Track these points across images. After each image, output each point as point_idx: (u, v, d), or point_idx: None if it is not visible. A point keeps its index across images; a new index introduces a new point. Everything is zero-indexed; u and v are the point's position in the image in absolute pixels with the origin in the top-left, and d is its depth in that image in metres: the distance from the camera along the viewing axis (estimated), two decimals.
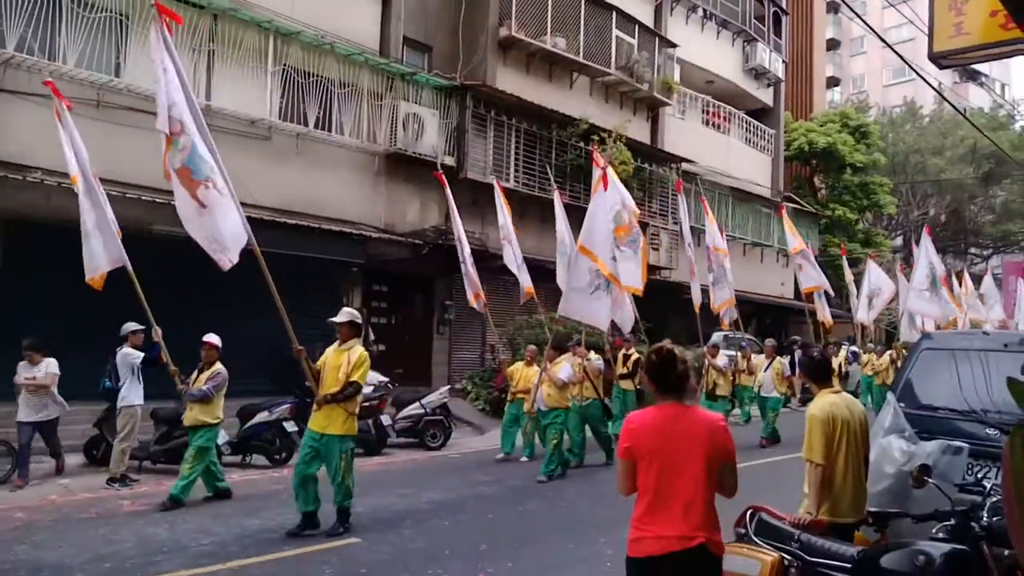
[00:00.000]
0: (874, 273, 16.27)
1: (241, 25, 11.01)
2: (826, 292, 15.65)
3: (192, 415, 7.11)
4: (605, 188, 8.99)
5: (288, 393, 9.84)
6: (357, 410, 6.28)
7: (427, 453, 10.30)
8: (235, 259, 6.19)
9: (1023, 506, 1.07)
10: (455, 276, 14.16)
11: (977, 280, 24.09)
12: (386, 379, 10.59)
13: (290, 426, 9.09)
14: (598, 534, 6.16)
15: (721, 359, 11.53)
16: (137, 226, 10.11)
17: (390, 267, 13.48)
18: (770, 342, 12.82)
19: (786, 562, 3.27)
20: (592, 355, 9.72)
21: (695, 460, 2.75)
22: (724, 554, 2.90)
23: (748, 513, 3.57)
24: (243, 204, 11.33)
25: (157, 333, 7.27)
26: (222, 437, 8.53)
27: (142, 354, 7.81)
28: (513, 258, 11.02)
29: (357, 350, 6.22)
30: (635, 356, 11.16)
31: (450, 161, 13.69)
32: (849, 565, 3.09)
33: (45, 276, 9.74)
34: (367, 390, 10.26)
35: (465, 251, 10.62)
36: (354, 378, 6.07)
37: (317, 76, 11.93)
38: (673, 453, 2.76)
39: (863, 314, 16.00)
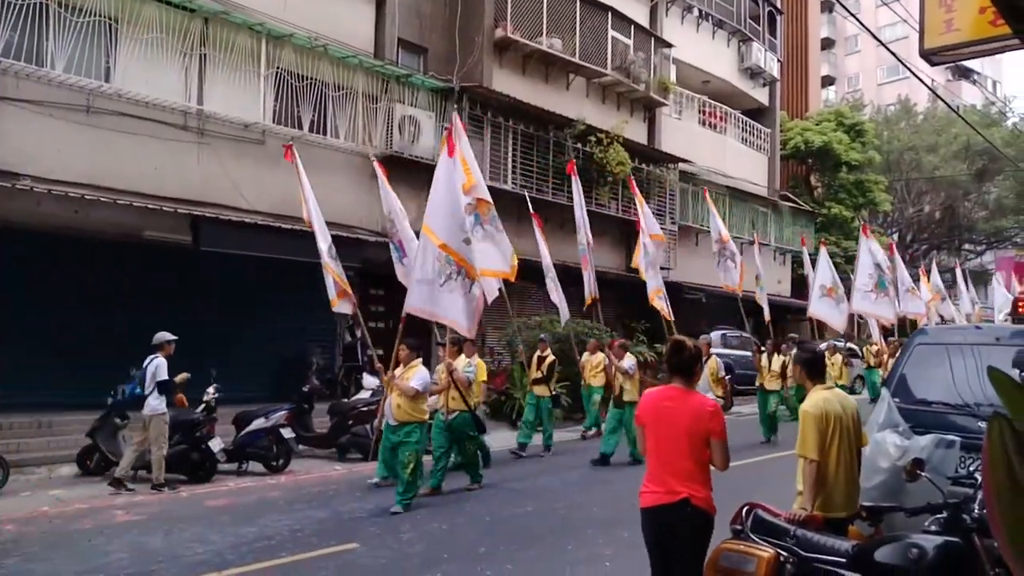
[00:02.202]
0: (822, 264, 14.82)
1: (233, 28, 11.00)
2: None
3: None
4: (451, 154, 7.49)
5: (285, 399, 9.83)
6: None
7: (426, 457, 10.26)
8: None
9: (1001, 496, 1.07)
10: None
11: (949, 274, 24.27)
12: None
13: (287, 432, 9.04)
14: (596, 535, 6.16)
15: (627, 360, 9.67)
16: (128, 232, 10.14)
17: (386, 271, 13.46)
18: (705, 338, 11.30)
19: (782, 558, 3.28)
20: (461, 360, 8.25)
21: (680, 433, 3.38)
22: (722, 551, 3.30)
23: (744, 510, 3.59)
24: (238, 209, 11.39)
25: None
26: (217, 444, 8.52)
27: (166, 376, 7.88)
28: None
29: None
30: (550, 359, 10.53)
31: None
32: (844, 559, 3.10)
33: (34, 283, 9.71)
34: (364, 395, 10.31)
35: (321, 245, 8.92)
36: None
37: (311, 79, 11.92)
38: (665, 426, 3.43)
39: (814, 307, 14.51)
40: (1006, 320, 12.98)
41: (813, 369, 3.92)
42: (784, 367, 11.79)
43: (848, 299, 14.48)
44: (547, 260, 11.42)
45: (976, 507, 3.11)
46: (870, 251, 14.24)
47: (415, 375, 7.06)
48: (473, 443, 8.11)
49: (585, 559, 5.57)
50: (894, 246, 19.89)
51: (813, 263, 15.10)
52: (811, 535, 3.32)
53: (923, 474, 3.51)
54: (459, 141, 7.92)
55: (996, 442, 1.08)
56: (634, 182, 13.56)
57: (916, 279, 19.23)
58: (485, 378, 9.26)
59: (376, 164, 9.84)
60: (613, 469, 9.21)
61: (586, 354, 11.60)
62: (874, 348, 15.80)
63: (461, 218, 7.46)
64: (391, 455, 7.28)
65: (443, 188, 7.44)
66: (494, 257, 9.09)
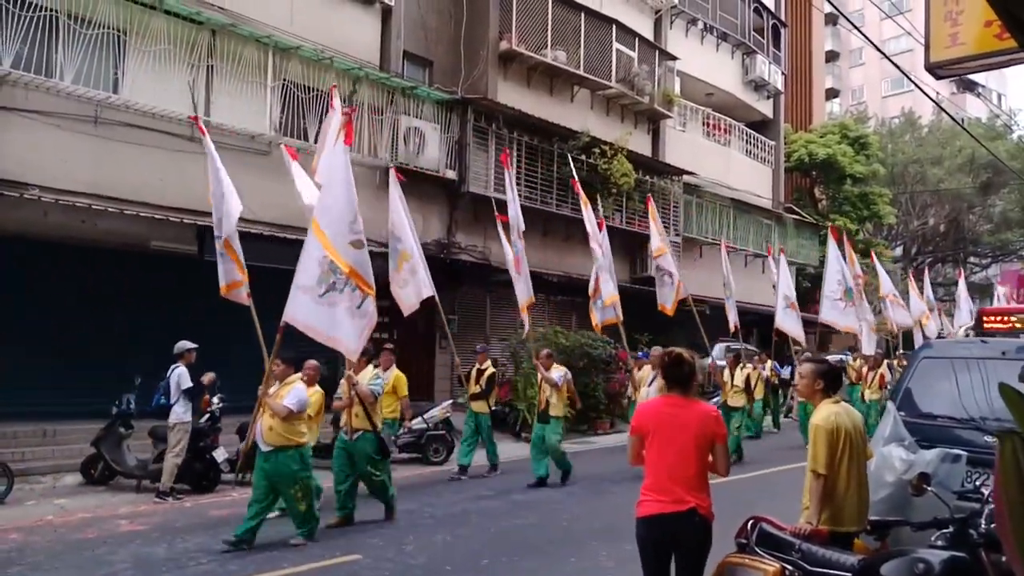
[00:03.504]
0: (784, 274, 14.25)
1: (240, 40, 11.09)
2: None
3: None
4: (348, 142, 6.59)
5: None
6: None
7: (429, 468, 10.26)
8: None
9: (1013, 512, 1.07)
10: (457, 290, 14.19)
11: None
12: None
13: None
14: (599, 547, 6.13)
15: (556, 372, 8.89)
16: (134, 241, 10.19)
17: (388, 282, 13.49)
18: (656, 350, 10.81)
19: (787, 572, 3.26)
20: (368, 372, 7.24)
21: (687, 441, 3.41)
22: (727, 565, 3.32)
23: (749, 524, 3.58)
24: (243, 219, 11.40)
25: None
26: (221, 454, 8.53)
27: (190, 383, 7.99)
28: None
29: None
30: (490, 371, 9.63)
31: (452, 175, 13.74)
32: (849, 574, 3.08)
33: (40, 292, 9.75)
34: None
35: (222, 228, 7.89)
36: None
37: (317, 91, 12.00)
38: (670, 435, 3.44)
39: (780, 319, 13.85)
40: (968, 335, 12.34)
41: (833, 382, 3.84)
42: (748, 382, 11.24)
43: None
44: (508, 256, 10.36)
45: (983, 522, 3.09)
46: (838, 257, 13.57)
47: (290, 393, 6.19)
48: (378, 468, 6.96)
49: (587, 571, 5.55)
50: (874, 254, 19.23)
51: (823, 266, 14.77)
52: (816, 549, 3.31)
53: (929, 488, 3.50)
54: (330, 128, 6.76)
55: (1009, 459, 1.08)
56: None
57: (905, 294, 18.75)
58: (406, 393, 8.52)
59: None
60: (615, 483, 9.15)
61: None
62: (856, 363, 14.70)
63: (354, 215, 6.31)
64: (265, 483, 6.16)
65: (339, 180, 6.37)
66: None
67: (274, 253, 10.56)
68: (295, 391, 6.25)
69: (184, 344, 8.17)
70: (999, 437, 1.11)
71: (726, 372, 11.36)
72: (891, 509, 3.72)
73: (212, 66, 10.84)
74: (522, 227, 10.07)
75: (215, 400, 8.66)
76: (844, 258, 14.00)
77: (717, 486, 3.58)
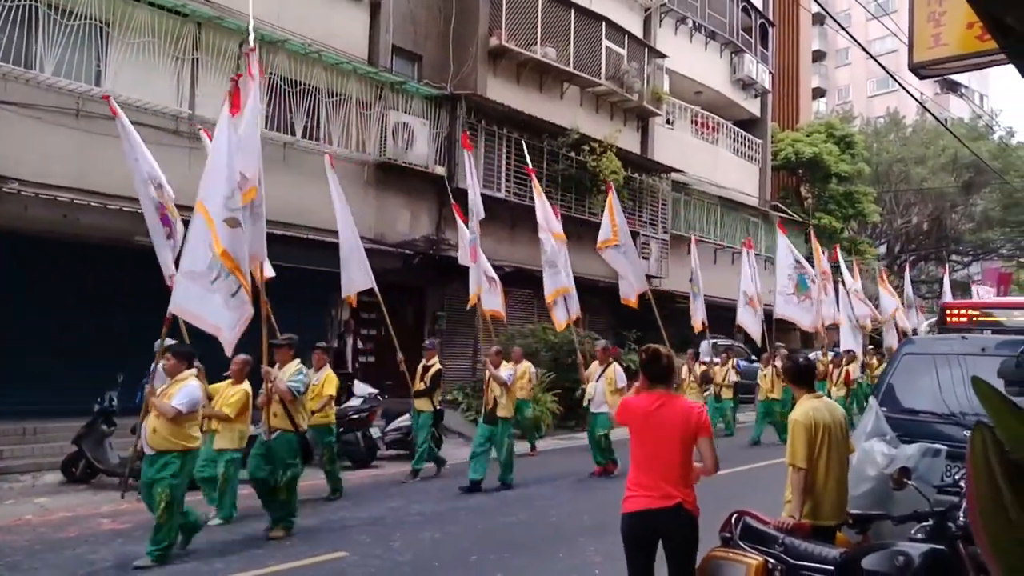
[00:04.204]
0: (746, 270, 13.91)
1: (226, 33, 10.98)
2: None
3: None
4: (234, 111, 6.00)
5: None
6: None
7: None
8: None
9: (982, 504, 1.09)
10: (446, 286, 14.17)
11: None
12: (376, 391, 10.54)
13: None
14: (587, 543, 6.16)
15: (505, 370, 8.55)
16: (117, 236, 10.08)
17: (380, 278, 13.47)
18: (601, 343, 10.29)
19: (770, 565, 3.30)
20: (291, 367, 6.71)
21: (673, 437, 3.44)
22: (711, 559, 3.35)
23: (733, 518, 3.61)
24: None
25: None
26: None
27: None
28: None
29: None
30: (436, 368, 9.08)
31: (441, 171, 13.71)
32: (831, 567, 3.13)
33: (19, 288, 9.62)
34: (355, 402, 10.26)
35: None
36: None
37: (304, 85, 11.93)
38: (655, 431, 3.47)
39: (741, 315, 13.59)
40: (929, 331, 12.06)
41: (800, 377, 3.99)
42: (704, 377, 11.32)
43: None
44: (464, 242, 10.24)
45: (961, 515, 3.14)
46: (788, 248, 13.19)
47: (180, 391, 5.59)
48: (288, 473, 6.32)
49: (575, 567, 5.57)
50: (837, 249, 18.64)
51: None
52: (799, 543, 3.35)
53: (910, 482, 3.55)
54: (249, 98, 6.18)
55: (979, 451, 1.10)
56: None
57: (874, 298, 18.70)
58: (333, 392, 7.91)
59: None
60: (603, 479, 9.19)
61: (510, 363, 10.14)
62: (825, 359, 14.36)
63: (231, 190, 5.85)
64: (147, 492, 5.57)
65: (220, 149, 5.90)
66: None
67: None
68: (186, 389, 5.60)
69: (170, 343, 8.07)
70: (972, 430, 1.13)
71: (684, 369, 11.31)
72: (873, 503, 3.77)
73: (197, 59, 10.74)
74: (481, 214, 9.69)
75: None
76: (814, 254, 13.69)
77: (700, 481, 3.61)
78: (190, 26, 10.64)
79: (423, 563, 5.61)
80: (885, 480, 3.73)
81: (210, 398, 6.70)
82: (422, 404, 9.01)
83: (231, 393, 6.67)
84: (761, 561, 3.29)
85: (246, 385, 6.74)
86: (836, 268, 16.82)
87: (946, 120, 30.48)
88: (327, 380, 7.92)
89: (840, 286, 16.02)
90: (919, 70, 4.96)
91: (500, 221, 14.22)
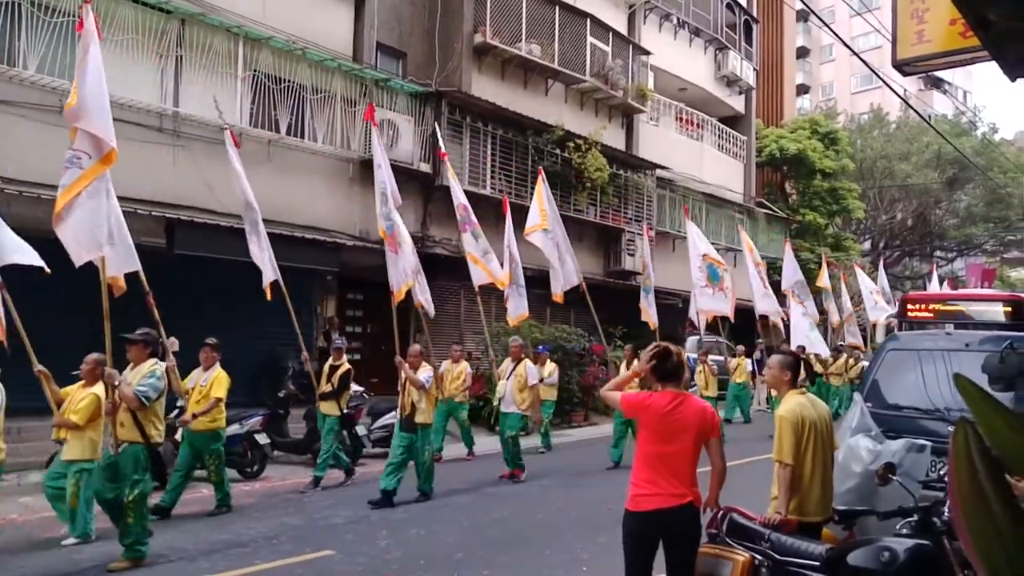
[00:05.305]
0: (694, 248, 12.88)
1: (210, 30, 10.88)
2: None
3: None
4: (79, 29, 5.96)
5: (261, 405, 9.71)
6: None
7: None
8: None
9: (965, 500, 1.09)
10: (432, 284, 14.11)
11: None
12: (362, 389, 10.49)
13: (262, 438, 8.96)
14: (574, 539, 6.17)
15: (424, 372, 7.76)
16: None
17: (365, 275, 13.41)
18: (515, 340, 9.77)
19: (757, 561, 3.32)
20: (144, 367, 5.91)
21: (688, 436, 3.42)
22: (698, 556, 3.41)
23: (720, 514, 3.62)
24: (213, 212, 11.22)
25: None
26: None
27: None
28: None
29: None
30: (344, 368, 8.46)
31: (426, 168, 13.66)
32: (817, 563, 3.15)
33: (6, 287, 9.49)
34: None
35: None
36: None
37: (289, 82, 11.84)
38: (668, 430, 3.43)
39: (692, 309, 13.07)
40: (889, 322, 11.65)
41: (795, 373, 3.98)
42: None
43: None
44: (381, 225, 9.76)
45: (946, 510, 3.17)
46: (696, 239, 12.55)
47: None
48: (136, 491, 5.51)
49: (562, 564, 5.57)
50: (788, 242, 17.63)
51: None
52: (785, 539, 3.37)
53: (895, 478, 3.57)
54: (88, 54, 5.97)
55: (961, 446, 1.10)
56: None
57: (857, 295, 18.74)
58: (223, 394, 7.14)
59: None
60: (589, 475, 9.21)
61: (447, 362, 10.13)
62: (733, 362, 14.18)
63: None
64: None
65: (91, 71, 5.83)
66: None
67: (244, 246, 10.42)
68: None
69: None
70: (955, 426, 1.13)
71: (623, 366, 10.69)
72: (858, 499, 3.80)
73: (181, 56, 10.62)
74: (399, 201, 8.87)
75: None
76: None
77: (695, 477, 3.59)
78: (174, 23, 10.52)
79: (409, 561, 5.60)
80: (870, 476, 3.75)
81: (59, 404, 6.08)
82: (328, 408, 8.33)
83: (80, 397, 5.97)
84: (748, 557, 3.31)
85: (98, 388, 6.01)
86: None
87: (930, 116, 30.80)
88: (216, 381, 7.14)
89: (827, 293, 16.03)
90: (902, 67, 4.99)
91: (484, 217, 14.18)
